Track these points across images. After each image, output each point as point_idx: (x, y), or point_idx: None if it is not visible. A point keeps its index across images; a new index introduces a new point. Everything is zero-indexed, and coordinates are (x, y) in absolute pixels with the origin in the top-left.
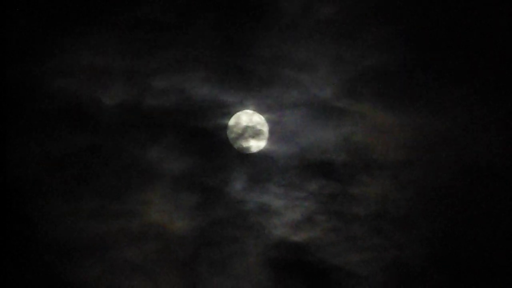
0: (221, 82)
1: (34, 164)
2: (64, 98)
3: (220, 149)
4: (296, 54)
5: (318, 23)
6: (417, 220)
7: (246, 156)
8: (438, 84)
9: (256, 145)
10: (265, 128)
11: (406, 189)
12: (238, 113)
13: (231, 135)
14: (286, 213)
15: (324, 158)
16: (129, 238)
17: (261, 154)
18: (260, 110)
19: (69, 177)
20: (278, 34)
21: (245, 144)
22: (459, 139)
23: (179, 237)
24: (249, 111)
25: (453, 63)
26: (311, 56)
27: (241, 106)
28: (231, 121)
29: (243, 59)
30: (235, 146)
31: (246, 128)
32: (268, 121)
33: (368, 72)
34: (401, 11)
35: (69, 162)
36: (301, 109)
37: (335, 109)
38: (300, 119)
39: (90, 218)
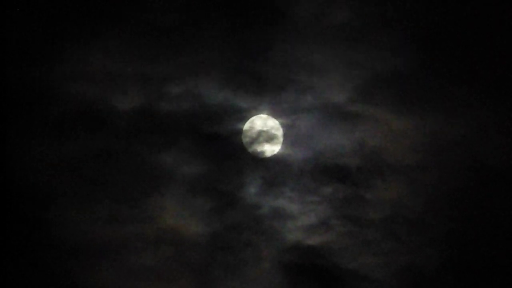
0: (235, 87)
1: (49, 168)
2: (79, 102)
3: (235, 153)
4: (310, 59)
5: (331, 28)
6: (431, 224)
7: (260, 161)
8: (450, 88)
9: (270, 149)
10: (279, 133)
11: (420, 192)
12: (252, 118)
13: (245, 140)
14: (301, 217)
15: (339, 163)
16: (143, 242)
17: (275, 159)
18: (274, 115)
19: (84, 182)
20: (292, 39)
21: (259, 148)
22: (473, 142)
23: (193, 241)
24: (263, 116)
25: (466, 67)
26: (325, 61)
27: (256, 110)
28: (246, 126)
29: (257, 64)
30: (250, 150)
31: (261, 132)
32: (283, 125)
33: (382, 76)
34: (414, 15)
35: (83, 167)
36: (315, 114)
37: (349, 113)
38: (314, 124)
39: (104, 222)
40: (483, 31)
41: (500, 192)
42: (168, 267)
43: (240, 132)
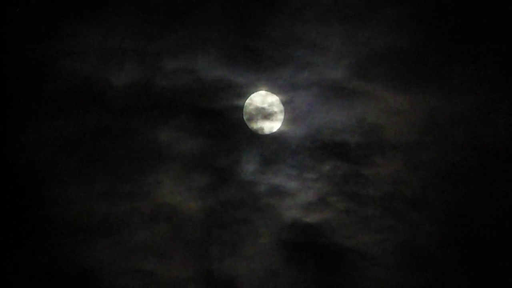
0: (232, 63)
1: (46, 145)
2: (75, 79)
3: (232, 130)
4: (307, 35)
5: (329, 4)
6: (430, 201)
7: (258, 137)
8: (450, 64)
9: (269, 126)
10: (279, 109)
11: (419, 169)
12: (253, 94)
13: (244, 116)
14: (299, 195)
15: (337, 139)
16: (140, 219)
17: (273, 135)
18: (272, 91)
19: (81, 158)
20: (289, 15)
21: (258, 125)
22: (472, 119)
23: (190, 218)
24: (263, 92)
25: (465, 43)
26: (323, 37)
27: (253, 87)
28: (246, 102)
29: (254, 40)
30: (248, 127)
31: (260, 109)
32: (281, 102)
33: (380, 53)
34: None
35: (80, 143)
36: (313, 90)
37: (347, 90)
38: (313, 100)
39: (101, 199)
40: (484, 6)
41: (500, 169)
42: (165, 243)
43: (238, 108)
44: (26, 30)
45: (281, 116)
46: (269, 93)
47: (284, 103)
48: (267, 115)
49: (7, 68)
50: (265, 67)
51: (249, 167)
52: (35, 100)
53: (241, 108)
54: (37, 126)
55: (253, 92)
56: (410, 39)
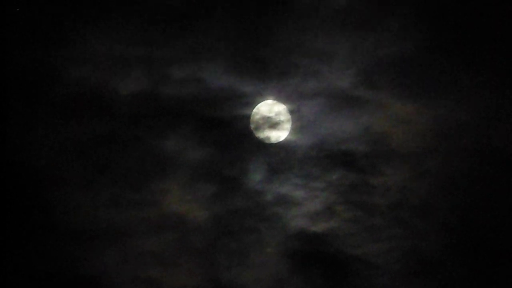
0: (239, 72)
1: (52, 152)
2: (82, 86)
3: (239, 139)
4: (313, 44)
5: (334, 12)
6: (437, 210)
7: (265, 146)
8: (456, 72)
9: (276, 135)
10: (286, 118)
11: (426, 178)
12: (261, 103)
13: (251, 125)
14: (306, 204)
15: (344, 148)
16: (146, 227)
17: (280, 144)
18: (279, 100)
19: (87, 166)
20: (295, 24)
21: (265, 134)
22: (478, 127)
23: (196, 226)
24: (270, 101)
25: (471, 51)
26: (328, 46)
27: (260, 96)
28: (253, 111)
29: (261, 49)
30: (256, 136)
31: (267, 118)
32: (288, 111)
33: (386, 61)
34: None
35: (87, 151)
36: (319, 99)
37: (353, 98)
38: (319, 109)
39: (107, 206)
40: (489, 13)
41: (507, 177)
42: (172, 251)
43: (244, 117)
44: (32, 36)
45: (288, 125)
46: (276, 102)
47: (290, 112)
48: (274, 124)
49: (14, 74)
50: (271, 76)
51: (256, 176)
52: (41, 107)
53: (248, 117)
54: (43, 133)
55: (260, 101)
56: (416, 47)
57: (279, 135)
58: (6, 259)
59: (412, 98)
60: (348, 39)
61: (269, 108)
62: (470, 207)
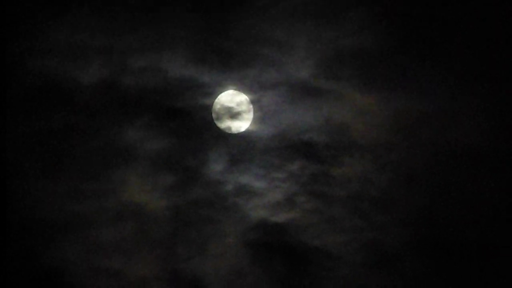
0: (199, 62)
1: (11, 143)
2: (40, 77)
3: (200, 129)
4: (273, 34)
5: (295, 2)
6: (398, 202)
7: (225, 137)
8: (417, 65)
9: (238, 125)
10: (247, 109)
11: (386, 170)
12: (222, 93)
13: (212, 115)
14: (266, 194)
15: (305, 139)
16: (106, 217)
17: (241, 135)
18: (240, 90)
19: (46, 157)
20: (255, 13)
21: (226, 124)
22: (439, 120)
23: (155, 217)
24: (231, 91)
25: (432, 43)
26: (289, 36)
27: (220, 86)
28: (215, 101)
29: (221, 39)
30: (217, 126)
31: (229, 108)
32: (249, 101)
33: (346, 52)
34: None
35: (45, 142)
36: (280, 89)
37: (314, 89)
38: (280, 100)
39: (66, 197)
40: (451, 6)
41: (467, 171)
42: (131, 242)
43: (205, 107)
44: None
45: (249, 116)
46: (237, 92)
47: (252, 102)
48: (235, 115)
49: None
50: (232, 66)
51: (216, 166)
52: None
53: (208, 107)
54: (1, 124)
55: (220, 91)
56: (376, 38)
57: (240, 126)
58: None
59: (373, 90)
60: (308, 30)
61: (230, 98)
62: (430, 200)
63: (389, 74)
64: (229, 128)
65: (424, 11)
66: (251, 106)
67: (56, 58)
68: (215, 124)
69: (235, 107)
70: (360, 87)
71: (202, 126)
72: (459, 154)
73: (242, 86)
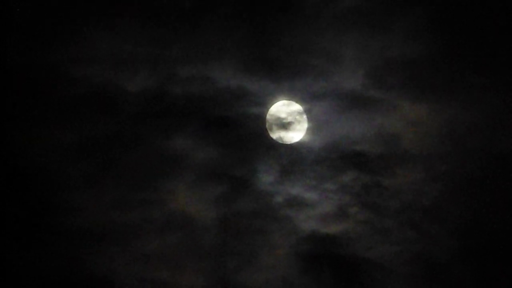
0: (247, 71)
1: (58, 152)
2: (89, 85)
3: (250, 139)
4: (322, 44)
5: (343, 12)
6: (448, 212)
7: (277, 147)
8: (467, 73)
9: (290, 136)
10: (301, 119)
11: (437, 180)
12: (276, 103)
13: (266, 125)
14: (318, 206)
15: (356, 149)
16: (153, 228)
17: (292, 145)
18: (292, 101)
19: (93, 165)
20: (303, 24)
21: (279, 134)
22: (490, 129)
23: (205, 227)
24: (285, 102)
25: (482, 52)
26: (338, 46)
27: (270, 95)
28: (268, 111)
29: (269, 48)
30: (269, 136)
31: (281, 118)
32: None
33: (396, 62)
34: None
35: (93, 150)
36: (330, 100)
37: (364, 99)
38: (330, 110)
39: (114, 207)
40: (501, 16)
41: None
42: (178, 253)
43: (254, 116)
44: (39, 36)
45: (302, 126)
46: (290, 102)
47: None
48: (287, 125)
49: (20, 74)
50: (281, 76)
51: (266, 177)
52: (47, 106)
53: (258, 117)
54: (49, 132)
55: (270, 101)
56: (426, 48)
57: (292, 136)
58: (12, 261)
59: (423, 99)
60: (357, 40)
61: (283, 108)
62: (482, 211)
63: (439, 83)
64: (281, 138)
65: (473, 20)
66: (304, 117)
67: (103, 66)
68: (266, 134)
69: (288, 118)
70: (410, 97)
71: (252, 136)
72: (510, 163)
73: (293, 96)
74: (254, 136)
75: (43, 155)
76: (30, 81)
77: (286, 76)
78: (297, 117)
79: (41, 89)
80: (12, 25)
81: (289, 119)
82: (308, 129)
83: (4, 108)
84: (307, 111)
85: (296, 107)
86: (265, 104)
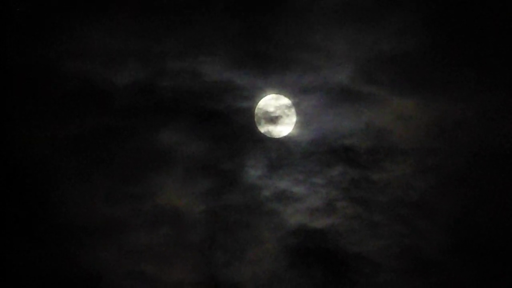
0: (237, 65)
1: (48, 146)
2: (78, 79)
3: (239, 133)
4: (312, 38)
5: (333, 7)
6: (437, 207)
7: (265, 141)
8: (457, 69)
9: (278, 130)
10: (289, 113)
11: (427, 175)
12: (264, 97)
13: (254, 119)
14: (306, 200)
15: (345, 144)
16: (142, 221)
17: (281, 139)
18: (280, 94)
19: (83, 159)
20: (293, 17)
21: (267, 128)
22: (479, 124)
23: (193, 221)
24: (274, 95)
25: (472, 47)
26: (327, 40)
27: (259, 90)
28: (257, 105)
29: (258, 43)
30: (257, 130)
31: (271, 112)
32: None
33: (385, 56)
34: None
35: (83, 144)
36: (319, 94)
37: (353, 93)
38: (319, 104)
39: (104, 200)
40: (491, 12)
41: (508, 174)
42: (167, 246)
43: (243, 111)
44: (28, 31)
45: (290, 120)
46: (279, 96)
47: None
48: (276, 119)
49: (9, 69)
50: (270, 70)
51: (255, 171)
52: (37, 101)
53: (247, 111)
54: (39, 127)
55: (259, 95)
56: (416, 43)
57: (280, 130)
58: (3, 254)
59: (412, 94)
60: (347, 34)
61: (272, 102)
62: (471, 205)
63: (429, 78)
64: (269, 132)
65: (464, 15)
66: (293, 110)
67: (92, 61)
68: (255, 128)
69: (277, 112)
70: (399, 92)
71: (240, 130)
72: (500, 158)
73: (281, 90)
74: (243, 130)
75: (33, 150)
76: (20, 76)
77: (275, 70)
78: (286, 111)
79: (32, 84)
80: (4, 21)
81: (278, 113)
82: (296, 123)
83: None
84: (296, 105)
85: (285, 101)
86: (254, 98)
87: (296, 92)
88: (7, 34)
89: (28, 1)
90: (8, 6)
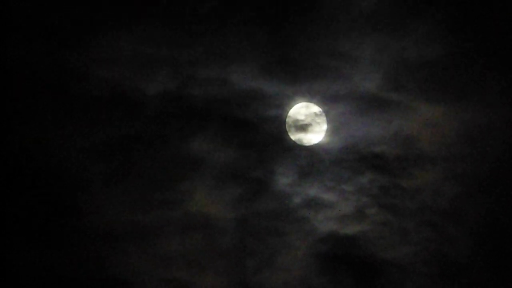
0: (266, 73)
1: (79, 153)
2: (108, 87)
3: (269, 141)
4: (340, 47)
5: (361, 15)
6: (466, 213)
7: (295, 149)
8: (485, 75)
9: (309, 138)
10: (319, 121)
11: (456, 181)
12: (296, 105)
13: (285, 127)
14: (336, 207)
15: (374, 151)
16: (173, 228)
17: (311, 147)
18: (310, 102)
19: (113, 166)
20: (321, 27)
21: (297, 136)
22: (508, 130)
23: (223, 228)
24: (304, 103)
25: (499, 54)
26: (355, 48)
27: (288, 98)
28: (288, 113)
29: (287, 51)
30: (288, 138)
31: (301, 120)
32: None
33: (413, 64)
34: (446, 1)
35: (113, 152)
36: (348, 102)
37: (381, 101)
38: (348, 112)
39: (134, 207)
40: None
41: None
42: (198, 253)
43: (273, 119)
44: (60, 38)
45: (321, 128)
46: (309, 104)
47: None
48: (306, 127)
49: (41, 76)
50: (299, 78)
51: (285, 178)
52: (68, 108)
53: (276, 119)
54: (70, 134)
55: (289, 103)
56: (443, 49)
57: (311, 138)
58: (34, 262)
59: (440, 101)
60: (375, 42)
61: (302, 110)
62: (499, 211)
63: (456, 85)
64: (300, 140)
65: (490, 21)
66: (323, 118)
67: (123, 68)
68: (285, 136)
69: (307, 120)
70: (427, 98)
71: (271, 138)
72: None
73: (311, 98)
74: (273, 138)
75: (64, 156)
76: (51, 82)
77: (304, 78)
78: (316, 118)
79: (62, 90)
80: (35, 27)
81: (308, 121)
82: (326, 131)
83: (26, 109)
84: (326, 113)
85: (315, 109)
86: (284, 106)
87: (326, 100)
88: (40, 40)
89: (60, 8)
90: (39, 13)
